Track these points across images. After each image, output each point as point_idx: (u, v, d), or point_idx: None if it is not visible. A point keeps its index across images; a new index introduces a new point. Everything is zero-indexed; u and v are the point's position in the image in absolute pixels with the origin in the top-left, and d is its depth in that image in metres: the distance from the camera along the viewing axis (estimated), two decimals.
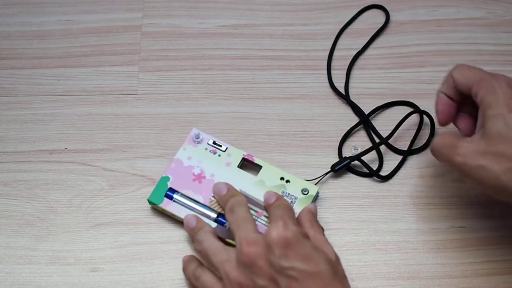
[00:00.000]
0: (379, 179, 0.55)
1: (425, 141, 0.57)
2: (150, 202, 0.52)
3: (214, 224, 0.50)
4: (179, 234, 0.52)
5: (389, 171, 0.55)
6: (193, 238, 0.49)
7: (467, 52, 0.64)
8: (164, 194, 0.52)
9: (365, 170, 0.55)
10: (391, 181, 0.55)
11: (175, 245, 0.52)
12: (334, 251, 0.46)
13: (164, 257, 0.51)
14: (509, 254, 0.51)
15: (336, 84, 0.61)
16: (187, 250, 0.51)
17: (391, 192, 0.55)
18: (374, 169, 0.55)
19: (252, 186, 0.52)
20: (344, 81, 0.61)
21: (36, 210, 0.54)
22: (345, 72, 0.62)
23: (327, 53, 0.64)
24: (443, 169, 0.56)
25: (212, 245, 0.47)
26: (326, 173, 0.54)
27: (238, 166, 0.54)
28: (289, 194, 0.52)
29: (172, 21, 0.66)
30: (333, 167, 0.54)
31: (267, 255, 0.42)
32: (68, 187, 0.55)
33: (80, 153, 0.57)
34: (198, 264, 0.48)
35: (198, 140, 0.55)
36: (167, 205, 0.52)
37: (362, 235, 0.52)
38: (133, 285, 0.50)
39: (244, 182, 0.53)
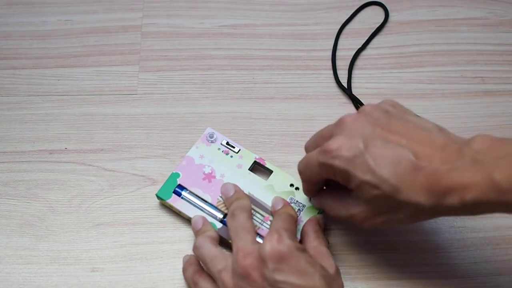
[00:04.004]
0: None
1: None
2: (158, 197, 0.53)
3: (219, 225, 0.50)
4: (179, 234, 0.52)
5: None
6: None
7: (467, 52, 0.64)
8: (172, 190, 0.52)
9: None
10: None
11: (175, 245, 0.52)
12: (335, 265, 0.45)
13: (164, 257, 0.51)
14: (509, 254, 0.51)
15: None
16: (187, 250, 0.51)
17: None
18: None
19: (261, 190, 0.52)
20: (345, 80, 0.61)
21: (36, 210, 0.54)
22: (345, 71, 0.62)
23: (327, 53, 0.64)
24: None
25: (210, 252, 0.46)
26: None
27: (249, 169, 0.54)
28: (297, 201, 0.52)
29: (172, 21, 0.66)
30: None
31: (261, 268, 0.42)
32: (68, 187, 0.55)
33: (80, 153, 0.57)
34: (197, 269, 0.48)
35: (212, 139, 0.55)
36: (175, 202, 0.52)
37: (362, 235, 0.52)
38: (133, 285, 0.50)
39: (254, 185, 0.53)
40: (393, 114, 0.44)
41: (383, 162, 0.40)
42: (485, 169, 0.37)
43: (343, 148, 0.42)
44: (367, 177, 0.40)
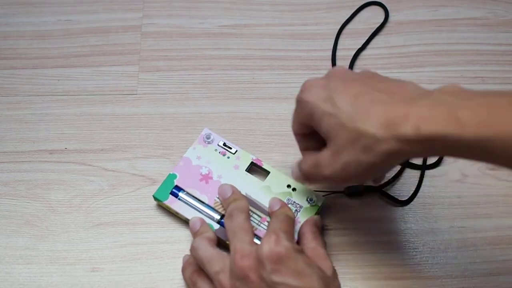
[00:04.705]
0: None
1: None
2: (155, 199, 0.53)
3: (216, 226, 0.50)
4: (179, 234, 0.52)
5: (389, 178, 0.55)
6: None
7: (467, 52, 0.64)
8: (169, 192, 0.52)
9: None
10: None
11: (175, 245, 0.52)
12: (332, 266, 0.46)
13: (164, 257, 0.51)
14: (509, 254, 0.51)
15: None
16: (187, 250, 0.51)
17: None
18: None
19: (258, 191, 0.52)
20: None
21: (36, 210, 0.54)
22: None
23: (327, 53, 0.64)
24: (443, 169, 0.56)
25: (208, 253, 0.46)
26: (337, 192, 0.53)
27: (246, 170, 0.54)
28: (294, 202, 0.52)
29: (172, 21, 0.66)
30: (348, 189, 0.53)
31: (259, 269, 0.42)
32: (68, 187, 0.55)
33: (80, 153, 0.57)
34: (195, 269, 0.48)
35: (208, 140, 0.55)
36: (172, 203, 0.52)
37: (362, 235, 0.52)
38: (133, 285, 0.50)
39: (251, 186, 0.53)
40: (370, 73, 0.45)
41: (345, 96, 0.42)
42: (448, 107, 0.37)
43: (314, 85, 0.44)
44: (326, 107, 0.42)
